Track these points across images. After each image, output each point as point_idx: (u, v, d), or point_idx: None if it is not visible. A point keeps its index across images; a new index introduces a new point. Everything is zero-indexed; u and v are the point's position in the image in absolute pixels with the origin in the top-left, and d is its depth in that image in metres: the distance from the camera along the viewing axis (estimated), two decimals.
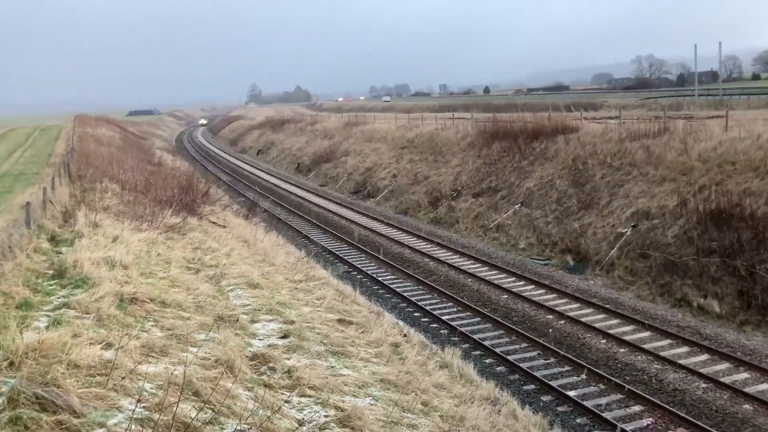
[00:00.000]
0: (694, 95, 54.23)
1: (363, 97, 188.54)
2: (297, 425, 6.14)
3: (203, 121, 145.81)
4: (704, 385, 13.01)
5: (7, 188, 24.07)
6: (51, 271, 9.89)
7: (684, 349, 14.77)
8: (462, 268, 22.00)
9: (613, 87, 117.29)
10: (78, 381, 5.60)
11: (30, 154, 41.32)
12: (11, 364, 5.84)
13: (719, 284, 17.16)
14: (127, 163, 27.32)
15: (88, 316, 7.75)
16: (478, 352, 14.93)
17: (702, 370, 13.50)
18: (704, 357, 14.32)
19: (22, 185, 24.31)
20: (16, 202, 18.68)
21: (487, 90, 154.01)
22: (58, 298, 8.57)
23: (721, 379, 13.07)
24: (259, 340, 8.92)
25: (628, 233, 20.78)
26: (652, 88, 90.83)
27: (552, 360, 14.47)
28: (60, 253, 11.09)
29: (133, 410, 5.16)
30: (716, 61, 63.34)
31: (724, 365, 13.88)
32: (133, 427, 4.77)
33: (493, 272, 21.49)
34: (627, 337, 15.40)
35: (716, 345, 14.86)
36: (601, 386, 13.12)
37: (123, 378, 5.88)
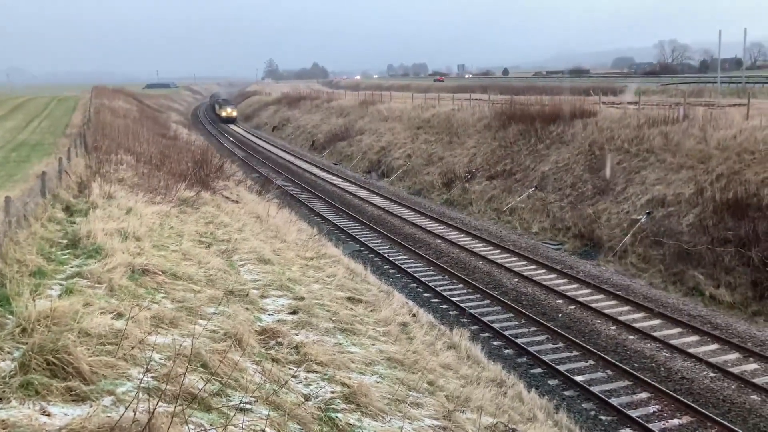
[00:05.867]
0: (716, 82, 53.21)
1: (358, 77, 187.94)
2: (303, 400, 6.20)
3: (231, 111, 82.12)
4: (713, 375, 12.96)
5: (24, 158, 24.34)
6: (65, 241, 10.00)
7: (694, 337, 14.71)
8: (473, 250, 21.97)
9: (634, 72, 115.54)
10: (88, 349, 5.68)
11: (47, 124, 41.67)
12: (23, 330, 5.94)
13: (732, 274, 17.02)
14: (143, 136, 27.44)
15: (100, 285, 7.85)
16: (486, 334, 14.96)
17: (711, 360, 13.46)
18: (714, 346, 14.26)
19: (38, 155, 24.57)
20: (32, 171, 18.90)
21: (506, 72, 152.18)
22: (71, 267, 8.67)
23: (730, 369, 13.02)
24: (269, 315, 8.99)
25: (643, 220, 20.62)
26: (674, 73, 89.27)
27: (561, 344, 14.46)
28: (74, 223, 11.21)
29: (141, 379, 5.24)
30: (741, 48, 61.97)
31: (733, 355, 13.81)
32: (141, 395, 4.83)
33: (505, 255, 21.45)
34: (637, 324, 15.35)
35: (726, 335, 14.77)
36: (609, 372, 13.12)
37: (133, 348, 5.95)
